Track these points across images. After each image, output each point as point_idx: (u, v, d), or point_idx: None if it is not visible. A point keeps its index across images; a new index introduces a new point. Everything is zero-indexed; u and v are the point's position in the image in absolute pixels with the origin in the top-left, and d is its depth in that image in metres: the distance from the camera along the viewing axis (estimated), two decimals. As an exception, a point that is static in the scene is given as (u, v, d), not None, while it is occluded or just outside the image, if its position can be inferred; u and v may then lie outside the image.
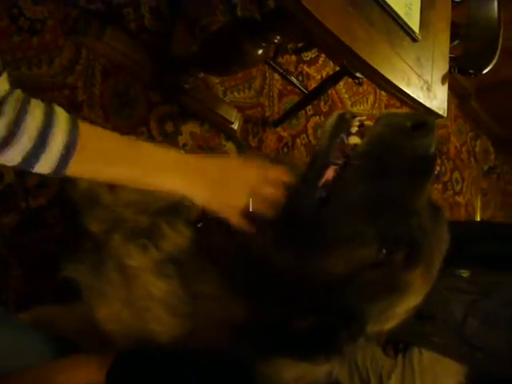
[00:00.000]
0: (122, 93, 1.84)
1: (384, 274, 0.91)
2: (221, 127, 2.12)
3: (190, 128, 2.03)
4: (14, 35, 1.61)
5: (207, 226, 1.05)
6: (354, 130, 0.92)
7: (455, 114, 3.52)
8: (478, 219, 3.62)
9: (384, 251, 0.89)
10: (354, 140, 0.91)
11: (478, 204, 3.67)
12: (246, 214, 0.94)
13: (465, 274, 2.00)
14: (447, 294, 1.92)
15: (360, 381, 1.94)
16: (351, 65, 1.48)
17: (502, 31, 1.85)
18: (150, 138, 1.90)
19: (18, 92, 0.77)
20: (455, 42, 1.87)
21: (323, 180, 0.91)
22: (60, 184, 1.60)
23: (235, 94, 2.22)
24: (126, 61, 1.83)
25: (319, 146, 0.94)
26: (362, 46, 1.36)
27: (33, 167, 0.79)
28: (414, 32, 1.55)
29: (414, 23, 1.58)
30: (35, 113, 0.77)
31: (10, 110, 0.74)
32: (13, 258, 1.53)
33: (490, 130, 3.80)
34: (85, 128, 0.83)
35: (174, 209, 1.12)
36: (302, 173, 0.96)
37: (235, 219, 0.95)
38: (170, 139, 1.96)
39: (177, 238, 1.06)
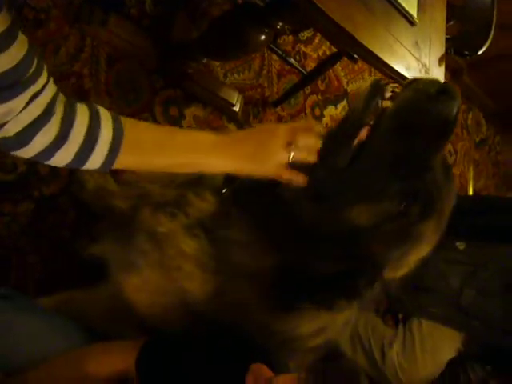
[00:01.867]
0: (127, 79, 1.88)
1: (402, 225, 1.01)
2: (223, 109, 2.16)
3: (193, 111, 2.07)
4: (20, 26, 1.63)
5: (232, 192, 1.12)
6: (388, 94, 1.00)
7: (448, 87, 3.54)
8: (471, 190, 3.69)
9: (403, 204, 0.99)
10: (387, 104, 0.99)
11: (471, 175, 3.74)
12: (292, 167, 1.00)
13: (461, 246, 2.07)
14: (444, 266, 1.99)
15: (363, 351, 2.02)
16: (353, 51, 1.52)
17: (495, 12, 1.90)
18: (156, 123, 1.94)
19: (62, 94, 0.82)
20: (451, 23, 1.91)
21: (357, 139, 0.99)
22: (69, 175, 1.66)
23: (235, 75, 2.25)
24: (129, 47, 1.86)
25: (355, 108, 1.02)
26: (362, 33, 1.40)
27: (84, 164, 0.85)
28: (411, 16, 1.59)
29: (412, 6, 1.62)
30: (82, 112, 0.82)
31: (59, 110, 0.79)
32: (29, 245, 1.58)
33: (481, 103, 3.86)
34: (127, 122, 0.88)
35: (198, 179, 1.19)
36: (337, 131, 1.04)
37: (285, 175, 1.00)
38: (174, 123, 2.00)
39: (204, 205, 1.13)
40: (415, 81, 1.01)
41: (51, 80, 0.80)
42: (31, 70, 0.73)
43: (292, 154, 0.98)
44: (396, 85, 1.02)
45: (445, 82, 1.00)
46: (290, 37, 2.53)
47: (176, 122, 2.02)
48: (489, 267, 1.98)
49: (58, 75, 1.70)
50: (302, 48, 2.62)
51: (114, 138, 0.84)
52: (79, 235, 1.61)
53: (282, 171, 1.00)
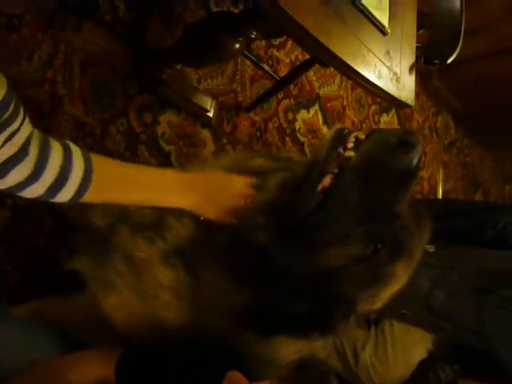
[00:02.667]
0: (101, 85, 1.87)
1: (370, 267, 1.06)
2: (197, 115, 2.17)
3: (167, 117, 2.08)
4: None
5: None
6: (350, 145, 1.04)
7: (418, 91, 3.62)
8: (440, 191, 3.76)
9: (370, 248, 1.03)
10: (349, 153, 1.03)
11: (440, 177, 3.81)
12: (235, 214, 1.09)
13: (431, 249, 2.10)
14: (415, 268, 2.02)
15: (336, 353, 2.04)
16: (325, 60, 1.55)
17: (463, 20, 1.94)
18: (130, 129, 1.94)
19: (37, 131, 0.85)
20: (420, 31, 1.95)
21: (321, 186, 1.02)
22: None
23: (209, 81, 2.26)
24: (103, 54, 1.86)
25: (318, 155, 1.05)
26: (335, 42, 1.43)
27: (53, 198, 0.89)
28: (383, 26, 1.62)
29: (384, 16, 1.65)
30: (56, 151, 0.86)
31: (34, 149, 0.83)
32: (4, 253, 1.56)
33: (450, 105, 3.93)
34: (96, 159, 0.94)
35: None
36: (301, 178, 1.07)
37: (228, 219, 1.09)
38: (148, 129, 2.01)
39: (182, 230, 1.15)
40: (377, 131, 1.06)
41: (27, 119, 0.83)
42: (8, 112, 0.76)
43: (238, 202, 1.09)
44: (360, 133, 1.06)
45: (405, 132, 1.04)
46: (263, 42, 2.54)
47: (151, 127, 2.02)
48: (458, 270, 2.02)
49: (31, 82, 1.69)
50: (275, 53, 2.63)
51: (84, 176, 0.90)
52: (56, 244, 1.61)
53: (227, 216, 1.09)
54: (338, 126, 1.06)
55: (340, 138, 1.04)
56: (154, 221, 1.17)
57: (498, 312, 1.84)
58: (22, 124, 0.80)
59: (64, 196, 0.90)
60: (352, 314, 1.10)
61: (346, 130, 1.05)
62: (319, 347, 1.28)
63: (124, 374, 1.05)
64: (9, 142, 0.78)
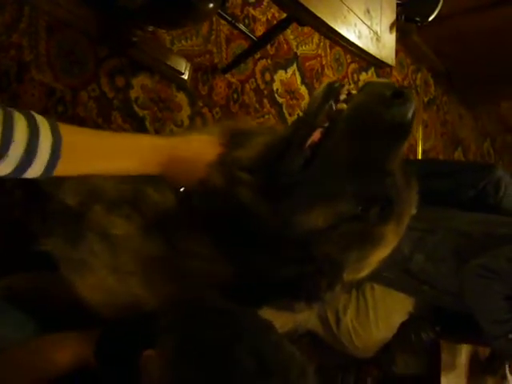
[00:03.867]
0: (69, 50, 1.79)
1: (360, 227, 1.01)
2: (171, 78, 2.10)
3: (140, 81, 2.01)
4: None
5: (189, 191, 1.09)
6: (343, 97, 0.98)
7: (397, 48, 3.55)
8: (420, 150, 3.74)
9: (360, 207, 0.98)
10: (341, 106, 0.98)
11: (420, 135, 3.79)
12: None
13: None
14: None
15: (319, 319, 2.05)
16: (304, 19, 1.49)
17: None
18: (102, 95, 1.87)
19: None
20: (401, -12, 1.89)
21: (310, 141, 0.97)
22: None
23: (183, 42, 2.18)
24: (70, 17, 1.77)
25: (308, 110, 1.01)
26: (315, 3, 1.37)
27: (23, 175, 0.82)
28: (363, -17, 1.57)
29: (363, -27, 1.60)
30: (20, 125, 0.79)
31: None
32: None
33: (430, 62, 3.88)
34: (65, 129, 0.87)
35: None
36: (289, 133, 1.02)
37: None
38: (121, 94, 1.94)
39: (162, 202, 1.10)
40: (371, 83, 1.00)
41: None
42: None
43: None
44: (352, 86, 1.01)
45: (401, 86, 0.98)
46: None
47: (124, 92, 1.95)
48: (437, 232, 2.02)
49: (-4, 47, 1.61)
50: (251, 11, 2.55)
51: (52, 148, 0.83)
52: (30, 219, 1.55)
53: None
54: (328, 81, 1.01)
55: (331, 91, 0.98)
56: (131, 196, 1.11)
57: (473, 279, 1.85)
58: None
59: (34, 171, 0.83)
60: (339, 280, 1.06)
61: (338, 84, 1.00)
62: (303, 320, 1.25)
63: (103, 353, 1.05)
64: None
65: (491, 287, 1.81)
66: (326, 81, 1.01)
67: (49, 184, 1.28)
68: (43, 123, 0.83)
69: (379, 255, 1.09)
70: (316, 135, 0.97)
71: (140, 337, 1.03)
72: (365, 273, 1.12)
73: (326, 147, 0.97)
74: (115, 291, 1.11)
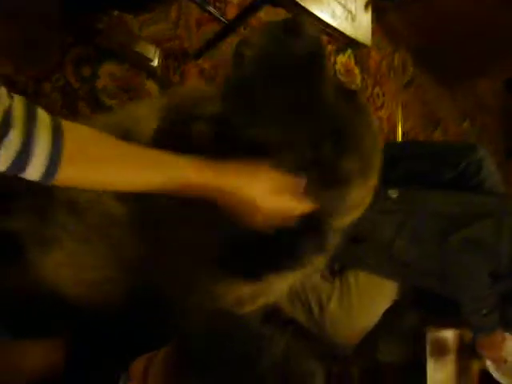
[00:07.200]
0: (31, 39, 1.70)
1: (321, 169, 0.97)
2: (141, 65, 2.03)
3: (108, 69, 1.93)
4: None
5: None
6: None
7: (374, 29, 3.50)
8: (400, 132, 3.71)
9: (308, 151, 0.96)
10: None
11: (400, 116, 3.74)
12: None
13: (394, 194, 2.07)
14: (378, 216, 1.98)
15: (302, 308, 2.01)
16: (279, 2, 1.43)
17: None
18: (67, 85, 1.79)
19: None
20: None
21: None
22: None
23: (151, 27, 2.10)
24: (29, 2, 1.68)
25: None
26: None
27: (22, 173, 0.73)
28: (335, -41, 1.51)
29: (335, -51, 1.53)
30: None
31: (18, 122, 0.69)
32: None
33: (407, 42, 3.83)
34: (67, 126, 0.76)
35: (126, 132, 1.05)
36: None
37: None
38: (87, 84, 1.86)
39: None
40: (264, 25, 1.01)
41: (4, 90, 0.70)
42: None
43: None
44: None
45: (291, 18, 0.96)
46: (209, -19, 2.38)
47: (90, 81, 1.87)
48: (418, 214, 2.00)
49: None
50: (223, -7, 2.47)
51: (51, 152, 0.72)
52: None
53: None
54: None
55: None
56: None
57: (458, 252, 1.85)
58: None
59: (30, 175, 0.73)
60: (328, 226, 1.03)
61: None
62: (280, 292, 1.19)
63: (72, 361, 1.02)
64: None
65: (476, 260, 1.81)
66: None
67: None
68: (43, 119, 0.74)
69: (355, 196, 1.05)
70: None
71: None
72: (352, 215, 1.10)
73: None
74: (86, 264, 1.04)
